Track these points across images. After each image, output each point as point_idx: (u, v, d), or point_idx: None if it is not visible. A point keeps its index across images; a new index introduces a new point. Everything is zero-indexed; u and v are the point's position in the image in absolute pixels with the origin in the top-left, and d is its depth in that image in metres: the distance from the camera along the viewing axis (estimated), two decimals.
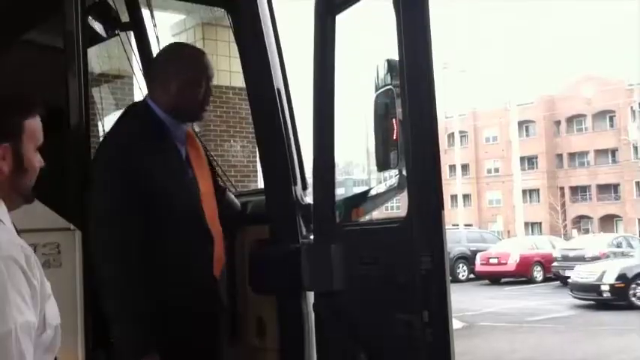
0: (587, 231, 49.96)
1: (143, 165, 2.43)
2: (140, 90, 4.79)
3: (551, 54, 71.14)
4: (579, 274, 17.45)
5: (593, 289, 16.42)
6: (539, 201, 55.72)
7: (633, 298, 16.10)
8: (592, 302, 16.62)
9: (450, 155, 42.57)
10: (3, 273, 1.45)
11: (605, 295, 16.08)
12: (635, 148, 49.12)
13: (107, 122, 5.53)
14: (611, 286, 15.96)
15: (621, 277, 16.12)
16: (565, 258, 22.90)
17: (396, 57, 2.72)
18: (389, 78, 2.86)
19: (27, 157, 1.67)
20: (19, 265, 1.49)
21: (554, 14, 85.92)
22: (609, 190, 53.24)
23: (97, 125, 5.24)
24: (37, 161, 1.71)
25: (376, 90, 2.94)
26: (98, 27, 4.39)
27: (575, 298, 17.10)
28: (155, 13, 4.73)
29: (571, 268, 20.00)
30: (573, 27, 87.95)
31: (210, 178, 2.92)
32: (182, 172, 2.66)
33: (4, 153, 1.62)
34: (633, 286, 16.17)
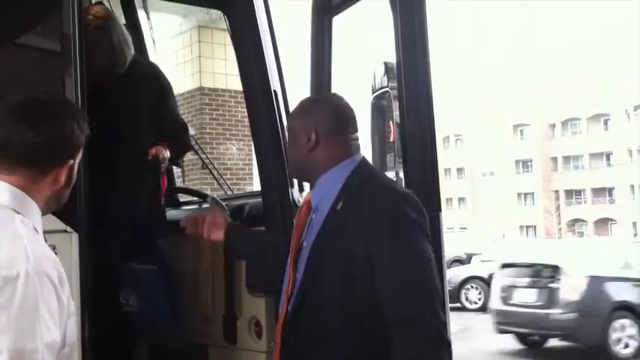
0: (581, 234, 50.07)
1: None
2: None
3: (550, 54, 71.24)
4: None
5: None
6: (533, 204, 55.82)
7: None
8: None
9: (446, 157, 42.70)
10: (36, 288, 1.43)
11: None
12: (630, 151, 49.25)
13: None
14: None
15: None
16: None
17: (393, 59, 2.72)
18: (386, 80, 2.87)
19: (75, 171, 1.70)
20: (51, 281, 1.47)
21: (553, 15, 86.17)
22: (604, 193, 53.37)
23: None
24: None
25: (373, 92, 2.94)
26: None
27: None
28: (151, 15, 4.73)
29: None
30: (573, 27, 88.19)
31: None
32: None
33: (68, 168, 1.65)
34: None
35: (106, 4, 4.38)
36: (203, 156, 4.60)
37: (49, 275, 1.47)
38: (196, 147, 4.62)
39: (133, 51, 3.36)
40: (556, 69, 55.96)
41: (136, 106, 3.32)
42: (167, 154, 3.27)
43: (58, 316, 1.47)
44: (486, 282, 16.71)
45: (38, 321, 1.42)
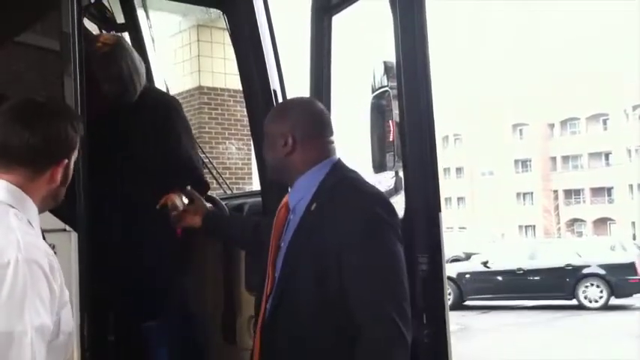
0: (580, 234, 50.09)
1: None
2: None
3: (550, 54, 71.27)
4: None
5: None
6: (532, 203, 55.86)
7: None
8: None
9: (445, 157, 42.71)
10: (26, 275, 1.49)
11: None
12: (629, 150, 49.29)
13: None
14: None
15: None
16: None
17: (392, 58, 2.72)
18: (385, 80, 2.86)
19: (71, 170, 1.75)
20: (42, 269, 1.53)
21: (553, 16, 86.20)
22: (603, 192, 53.40)
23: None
24: None
25: (373, 92, 2.94)
26: (94, 28, 4.39)
27: None
28: (150, 13, 4.73)
29: None
30: (573, 27, 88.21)
31: None
32: None
33: (63, 167, 1.70)
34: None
35: (106, 4, 4.40)
36: (202, 155, 4.60)
37: (39, 264, 1.53)
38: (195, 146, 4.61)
39: (144, 79, 3.21)
40: (555, 69, 56.06)
41: (144, 139, 3.11)
42: (180, 201, 2.87)
43: (49, 303, 1.53)
44: (455, 282, 17.05)
45: (27, 306, 1.47)
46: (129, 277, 2.96)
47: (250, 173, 9.22)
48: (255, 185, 3.78)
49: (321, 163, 2.16)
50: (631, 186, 49.12)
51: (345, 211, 2.02)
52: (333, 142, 2.21)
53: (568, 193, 55.02)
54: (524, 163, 57.03)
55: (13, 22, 2.62)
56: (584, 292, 16.72)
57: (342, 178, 2.15)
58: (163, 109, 3.20)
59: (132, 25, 4.62)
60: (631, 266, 16.59)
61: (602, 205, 52.77)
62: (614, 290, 16.51)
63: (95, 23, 4.49)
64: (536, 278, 17.00)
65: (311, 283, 2.02)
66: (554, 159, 56.19)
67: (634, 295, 16.52)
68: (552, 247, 19.83)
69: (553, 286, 16.80)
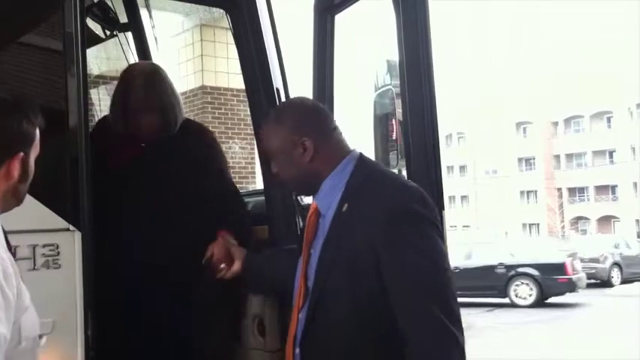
0: (584, 232, 50.01)
1: None
2: None
3: (553, 54, 71.09)
4: None
5: None
6: (536, 202, 55.78)
7: None
8: None
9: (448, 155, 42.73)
10: None
11: None
12: (633, 148, 49.18)
13: None
14: None
15: None
16: None
17: (395, 57, 2.72)
18: (389, 78, 2.86)
19: (31, 166, 1.68)
20: None
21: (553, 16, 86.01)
22: (607, 190, 53.30)
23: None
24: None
25: (376, 90, 2.94)
26: (97, 28, 4.39)
27: None
28: (153, 13, 4.73)
29: None
30: (576, 28, 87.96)
31: None
32: None
33: (20, 161, 1.63)
34: None
35: (109, 3, 4.39)
36: None
37: None
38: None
39: (183, 111, 3.09)
40: (559, 69, 55.71)
41: (185, 173, 2.98)
42: (225, 252, 2.54)
43: (4, 311, 1.46)
44: None
45: None
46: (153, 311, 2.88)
47: (254, 172, 9.22)
48: (259, 184, 3.78)
49: (344, 161, 2.02)
50: (635, 184, 49.04)
51: (378, 208, 1.87)
52: (342, 133, 2.07)
53: (572, 191, 54.95)
54: (528, 162, 56.96)
55: (16, 21, 2.62)
56: (514, 290, 17.69)
57: (370, 173, 2.01)
58: (205, 143, 3.10)
59: (135, 24, 4.62)
60: (561, 267, 17.51)
61: (606, 202, 52.69)
62: (544, 289, 17.41)
63: (98, 23, 4.49)
64: (470, 276, 17.47)
65: (346, 289, 1.88)
66: (557, 157, 56.12)
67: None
68: (487, 248, 20.68)
69: (486, 285, 17.73)
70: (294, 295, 2.06)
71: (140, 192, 2.89)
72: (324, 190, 2.03)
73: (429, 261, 1.85)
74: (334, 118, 2.08)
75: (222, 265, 2.40)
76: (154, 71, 3.07)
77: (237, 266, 2.39)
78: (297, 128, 2.01)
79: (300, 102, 2.15)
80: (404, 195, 1.91)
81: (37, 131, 1.67)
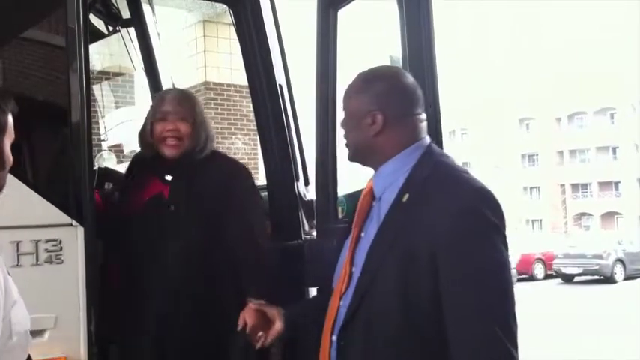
0: (587, 228, 49.96)
1: None
2: (141, 86, 4.79)
3: (555, 53, 70.95)
4: None
5: None
6: (539, 197, 55.74)
7: None
8: None
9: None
10: None
11: None
12: (636, 144, 49.11)
13: (108, 119, 5.52)
14: None
15: None
16: (566, 255, 23.16)
17: (399, 52, 2.71)
18: None
19: (6, 154, 1.60)
20: None
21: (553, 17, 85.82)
22: (610, 186, 53.23)
23: (98, 122, 5.24)
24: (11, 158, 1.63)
25: None
26: (99, 24, 4.39)
27: None
28: (156, 9, 4.73)
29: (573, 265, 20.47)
30: (579, 27, 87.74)
31: None
32: None
33: None
34: None
35: None
36: None
37: None
38: None
39: (214, 140, 2.93)
40: (559, 69, 55.64)
41: (207, 205, 2.78)
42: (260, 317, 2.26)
43: None
44: None
45: None
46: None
47: (257, 168, 9.20)
48: (262, 180, 3.78)
49: (413, 146, 1.88)
50: (638, 180, 48.96)
51: (442, 208, 1.73)
52: (424, 121, 1.92)
53: (575, 187, 54.86)
54: (531, 158, 56.88)
55: (19, 17, 2.62)
56: None
57: (438, 166, 1.86)
58: (231, 171, 2.90)
59: (137, 20, 4.62)
60: None
61: (609, 199, 52.60)
62: None
63: (101, 19, 4.49)
64: None
65: (394, 288, 1.76)
66: (561, 153, 56.01)
67: None
68: None
69: None
70: (336, 278, 1.95)
71: (162, 236, 2.72)
72: (384, 173, 1.90)
73: (491, 274, 1.71)
74: (423, 105, 1.93)
75: (260, 333, 2.13)
76: (188, 91, 3.10)
77: (278, 326, 2.13)
78: (377, 99, 1.88)
79: (395, 75, 1.97)
80: (474, 197, 1.76)
81: (10, 118, 1.60)
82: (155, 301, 2.68)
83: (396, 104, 1.88)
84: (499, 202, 1.78)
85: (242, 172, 2.95)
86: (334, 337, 1.89)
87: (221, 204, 2.74)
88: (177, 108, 2.78)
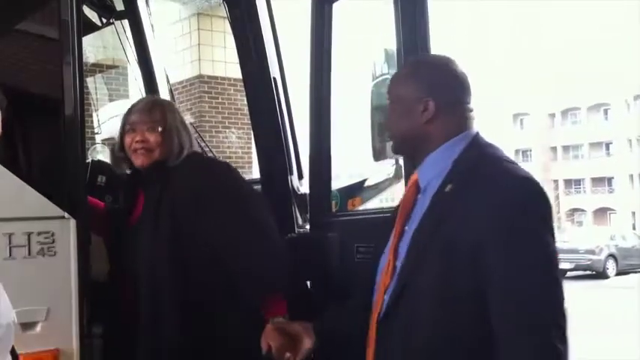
0: (580, 224, 50.12)
1: None
2: (135, 79, 4.78)
3: (551, 51, 71.03)
4: None
5: None
6: None
7: None
8: None
9: None
10: None
11: None
12: (629, 140, 49.25)
13: (101, 112, 5.51)
14: None
15: None
16: (559, 250, 23.22)
17: (393, 46, 2.71)
18: (386, 67, 2.85)
19: None
20: None
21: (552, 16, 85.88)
22: (603, 182, 53.40)
23: (91, 115, 5.23)
24: None
25: (373, 79, 2.93)
26: (93, 16, 4.37)
27: None
28: (150, 1, 4.71)
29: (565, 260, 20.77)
30: (574, 28, 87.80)
31: None
32: None
33: None
34: None
35: None
36: (203, 144, 4.59)
37: None
38: (195, 135, 4.61)
39: (192, 144, 2.78)
40: (559, 69, 55.72)
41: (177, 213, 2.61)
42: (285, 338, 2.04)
43: None
44: None
45: None
46: None
47: (251, 162, 9.20)
48: (255, 174, 3.78)
49: (460, 136, 1.84)
50: (631, 176, 49.12)
51: (487, 198, 1.68)
52: (472, 110, 1.89)
53: (568, 182, 55.01)
54: (525, 153, 56.96)
55: (11, 9, 2.61)
56: None
57: (485, 155, 1.82)
58: (211, 178, 2.68)
59: (131, 12, 4.60)
60: None
61: (602, 194, 52.77)
62: None
63: (94, 11, 4.47)
64: None
65: (436, 282, 1.71)
66: (554, 149, 56.14)
67: None
68: None
69: None
70: (379, 273, 1.91)
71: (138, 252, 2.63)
72: (428, 163, 1.86)
73: (542, 271, 1.66)
74: (471, 94, 1.90)
75: (287, 355, 1.98)
76: (158, 98, 3.02)
77: (307, 344, 1.98)
78: (428, 85, 1.85)
79: (446, 62, 1.93)
80: (520, 189, 1.71)
81: None
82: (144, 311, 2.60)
83: (448, 91, 1.86)
84: (546, 192, 1.73)
85: (215, 170, 2.77)
86: (380, 334, 1.84)
87: (198, 209, 2.57)
88: (144, 117, 2.67)
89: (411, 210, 1.88)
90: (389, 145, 2.84)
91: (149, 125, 2.66)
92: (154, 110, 2.71)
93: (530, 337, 1.60)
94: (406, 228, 1.86)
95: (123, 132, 2.72)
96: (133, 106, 2.80)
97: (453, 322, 1.70)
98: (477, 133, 1.87)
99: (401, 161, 2.78)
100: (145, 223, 2.65)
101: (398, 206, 1.95)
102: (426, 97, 1.83)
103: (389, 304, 1.81)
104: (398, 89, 1.92)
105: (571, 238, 25.41)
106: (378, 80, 2.89)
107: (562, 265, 22.17)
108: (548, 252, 1.68)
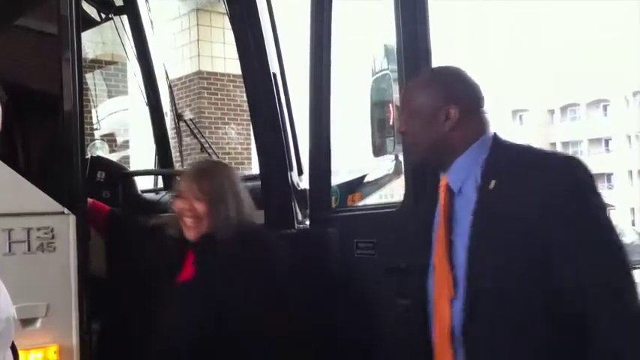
0: None
1: None
2: (134, 75, 4.78)
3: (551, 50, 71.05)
4: None
5: None
6: None
7: None
8: None
9: None
10: None
11: None
12: (629, 137, 49.27)
13: (100, 108, 5.51)
14: None
15: None
16: None
17: (393, 41, 2.70)
18: (386, 63, 2.84)
19: None
20: None
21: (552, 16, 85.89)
22: (603, 178, 53.44)
23: (90, 111, 5.23)
24: None
25: (373, 75, 2.92)
26: (92, 11, 4.37)
27: None
28: None
29: None
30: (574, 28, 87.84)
31: None
32: None
33: None
34: None
35: None
36: (202, 140, 4.58)
37: None
38: (195, 131, 4.61)
39: (245, 215, 2.57)
40: (559, 69, 55.67)
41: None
42: None
43: None
44: None
45: None
46: None
47: (250, 158, 9.20)
48: (255, 169, 3.77)
49: (482, 138, 1.91)
50: (631, 172, 49.14)
51: (540, 181, 1.72)
52: (488, 114, 1.97)
53: None
54: None
55: (10, 5, 2.60)
56: None
57: (516, 148, 1.89)
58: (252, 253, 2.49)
59: (130, 8, 4.59)
60: None
61: (601, 191, 52.66)
62: None
63: (93, 6, 4.47)
64: None
65: (513, 274, 1.73)
66: (554, 145, 56.08)
67: None
68: None
69: None
70: (431, 284, 1.92)
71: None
72: (458, 166, 1.90)
73: (610, 239, 1.71)
74: (485, 100, 1.97)
75: None
76: (206, 165, 2.84)
77: None
78: (449, 94, 1.91)
79: (460, 72, 1.99)
80: (568, 165, 1.78)
81: None
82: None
83: (467, 98, 1.92)
84: (585, 163, 1.80)
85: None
86: (455, 347, 1.84)
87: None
88: (193, 186, 2.53)
89: (452, 213, 1.91)
90: (389, 140, 2.85)
91: (194, 194, 2.50)
92: (202, 180, 2.55)
93: (620, 302, 1.64)
94: (452, 237, 1.88)
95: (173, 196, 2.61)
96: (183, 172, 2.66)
97: (545, 311, 1.72)
98: (495, 134, 1.94)
99: (400, 157, 2.78)
100: (193, 291, 2.48)
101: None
102: (446, 105, 1.89)
103: (465, 314, 1.81)
104: (416, 101, 1.95)
105: None
106: (377, 76, 2.88)
107: None
108: (609, 222, 1.74)
